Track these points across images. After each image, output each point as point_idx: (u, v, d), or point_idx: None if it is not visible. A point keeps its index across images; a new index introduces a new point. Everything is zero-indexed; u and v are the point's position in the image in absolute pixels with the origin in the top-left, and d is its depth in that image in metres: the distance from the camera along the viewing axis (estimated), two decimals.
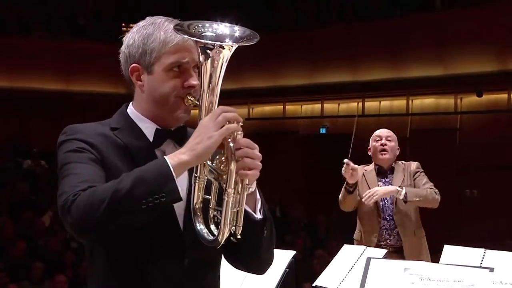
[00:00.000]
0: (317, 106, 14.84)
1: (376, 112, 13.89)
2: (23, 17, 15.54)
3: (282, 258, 3.94)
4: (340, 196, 5.61)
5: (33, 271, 9.09)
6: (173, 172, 1.89)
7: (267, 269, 2.26)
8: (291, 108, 15.48)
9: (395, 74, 13.20)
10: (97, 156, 2.06)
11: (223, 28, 2.01)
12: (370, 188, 5.53)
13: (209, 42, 1.97)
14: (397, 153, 5.73)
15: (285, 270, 3.89)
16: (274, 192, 12.85)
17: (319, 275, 4.41)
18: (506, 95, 12.06)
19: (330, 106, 14.63)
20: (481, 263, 3.76)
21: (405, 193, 5.36)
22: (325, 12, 15.04)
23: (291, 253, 4.00)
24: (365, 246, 4.65)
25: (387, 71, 13.40)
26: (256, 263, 2.22)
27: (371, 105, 14.02)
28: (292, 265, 3.95)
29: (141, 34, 2.16)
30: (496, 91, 11.99)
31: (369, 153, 5.77)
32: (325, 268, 4.47)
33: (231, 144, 1.93)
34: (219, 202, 1.99)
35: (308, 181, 14.41)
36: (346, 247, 4.59)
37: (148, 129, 2.18)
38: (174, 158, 1.92)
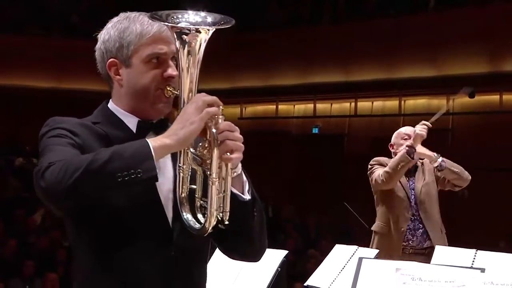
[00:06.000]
0: (310, 106, 14.85)
1: (368, 112, 13.91)
2: (15, 15, 15.48)
3: (274, 257, 3.95)
4: (391, 168, 5.22)
5: (24, 269, 9.07)
6: (152, 152, 1.89)
7: (262, 256, 2.24)
8: (283, 108, 15.48)
9: (387, 75, 13.21)
10: (77, 142, 2.06)
11: (194, 16, 2.00)
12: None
13: (185, 26, 1.97)
14: None
15: (277, 270, 3.90)
16: (267, 191, 12.88)
17: (311, 274, 4.42)
18: (498, 96, 12.09)
19: (322, 106, 14.63)
20: (472, 264, 3.78)
21: (442, 160, 5.19)
22: (318, 12, 15.05)
23: (283, 253, 4.00)
24: (357, 246, 4.62)
25: (379, 71, 13.41)
26: (250, 248, 2.20)
27: (364, 105, 14.03)
28: (284, 265, 3.96)
29: (117, 29, 2.16)
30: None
31: (392, 150, 5.52)
32: (317, 267, 4.48)
33: (213, 130, 1.93)
34: (205, 191, 1.98)
35: (300, 181, 14.41)
36: (338, 247, 4.59)
37: (131, 122, 2.18)
38: (156, 140, 1.93)
